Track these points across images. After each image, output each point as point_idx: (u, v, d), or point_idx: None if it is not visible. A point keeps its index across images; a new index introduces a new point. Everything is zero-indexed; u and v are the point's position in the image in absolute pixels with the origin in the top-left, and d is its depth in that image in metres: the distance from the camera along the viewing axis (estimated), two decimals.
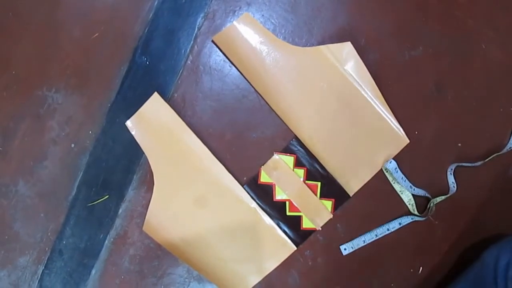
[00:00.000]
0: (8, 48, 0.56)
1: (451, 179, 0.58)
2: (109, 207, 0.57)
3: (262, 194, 0.56)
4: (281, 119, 0.57)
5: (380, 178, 0.58)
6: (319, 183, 0.57)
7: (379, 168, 0.57)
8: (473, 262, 0.54)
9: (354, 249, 0.58)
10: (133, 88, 0.56)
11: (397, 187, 0.58)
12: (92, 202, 0.56)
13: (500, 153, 0.58)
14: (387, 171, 0.57)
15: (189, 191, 0.55)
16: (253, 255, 0.56)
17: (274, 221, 0.56)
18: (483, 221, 0.59)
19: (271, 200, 0.57)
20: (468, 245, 0.59)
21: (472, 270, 0.54)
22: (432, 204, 0.57)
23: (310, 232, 0.57)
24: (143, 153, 0.55)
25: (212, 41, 0.56)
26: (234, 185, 0.55)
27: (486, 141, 0.59)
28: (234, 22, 0.55)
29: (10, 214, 0.56)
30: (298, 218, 0.57)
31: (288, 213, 0.57)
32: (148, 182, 0.57)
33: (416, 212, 0.58)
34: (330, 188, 0.57)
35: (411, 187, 0.58)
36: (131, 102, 0.56)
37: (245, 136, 0.57)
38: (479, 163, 0.58)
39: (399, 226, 0.58)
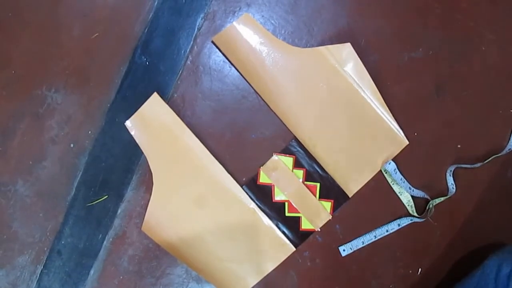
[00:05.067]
0: (8, 47, 0.56)
1: (450, 181, 0.58)
2: (108, 207, 0.57)
3: (261, 194, 0.56)
4: (280, 119, 0.57)
5: (379, 179, 0.58)
6: (318, 184, 0.57)
7: (378, 169, 0.57)
8: (472, 263, 0.54)
9: (353, 250, 0.58)
10: (132, 88, 0.56)
11: (396, 188, 0.58)
12: (91, 202, 0.56)
13: (499, 154, 0.58)
14: (386, 172, 0.57)
15: (188, 192, 0.55)
16: (251, 256, 0.56)
17: (273, 222, 0.56)
18: (482, 222, 0.59)
19: (270, 201, 0.57)
20: (467, 246, 0.59)
21: (472, 279, 0.53)
22: (431, 206, 0.57)
23: (309, 233, 0.57)
24: (142, 153, 0.55)
25: (212, 42, 0.56)
26: (233, 186, 0.55)
27: (485, 143, 0.59)
28: (234, 23, 0.55)
29: (8, 214, 0.56)
30: (297, 219, 0.57)
31: (287, 214, 0.57)
32: (147, 182, 0.57)
33: (415, 214, 0.58)
34: (329, 189, 0.57)
35: (410, 188, 0.58)
36: (130, 102, 0.56)
37: (244, 137, 0.57)
38: (478, 164, 0.58)
39: (398, 227, 0.58)
